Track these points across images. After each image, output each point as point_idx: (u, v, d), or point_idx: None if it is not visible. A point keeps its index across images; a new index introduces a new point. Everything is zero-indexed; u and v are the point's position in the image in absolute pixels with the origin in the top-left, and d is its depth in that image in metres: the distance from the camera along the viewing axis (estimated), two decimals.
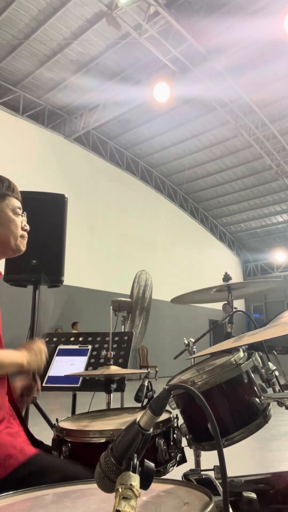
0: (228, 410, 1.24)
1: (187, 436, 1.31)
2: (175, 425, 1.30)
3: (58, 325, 10.60)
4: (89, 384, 1.98)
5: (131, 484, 0.61)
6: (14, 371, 1.25)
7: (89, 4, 8.73)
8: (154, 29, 8.68)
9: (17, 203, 1.39)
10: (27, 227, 1.42)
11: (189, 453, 1.34)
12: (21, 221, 1.39)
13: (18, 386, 1.45)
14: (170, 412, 1.35)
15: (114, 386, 1.64)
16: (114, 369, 1.55)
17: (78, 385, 1.99)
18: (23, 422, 1.33)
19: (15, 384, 1.45)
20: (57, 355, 2.11)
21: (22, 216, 1.41)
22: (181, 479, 1.25)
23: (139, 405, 1.44)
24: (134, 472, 0.63)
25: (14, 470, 1.12)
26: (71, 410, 2.54)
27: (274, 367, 1.32)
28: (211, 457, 1.00)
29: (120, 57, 10.31)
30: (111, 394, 1.71)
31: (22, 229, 1.39)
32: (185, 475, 1.33)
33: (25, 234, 1.42)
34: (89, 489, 0.86)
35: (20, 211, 1.39)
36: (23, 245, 1.41)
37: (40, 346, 1.34)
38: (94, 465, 0.69)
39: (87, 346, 2.14)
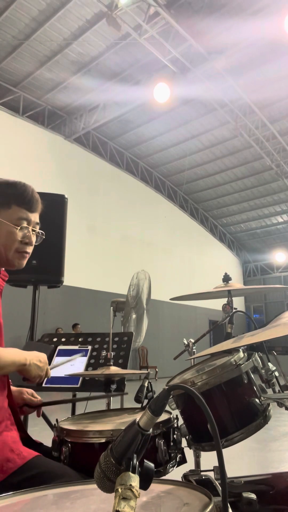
0: (227, 410, 1.24)
1: (187, 437, 1.31)
2: (175, 425, 1.30)
3: (58, 325, 10.60)
4: (89, 384, 1.98)
5: (130, 485, 0.61)
6: (15, 370, 1.22)
7: (89, 4, 8.74)
8: (154, 30, 8.68)
9: (24, 214, 1.27)
10: (31, 242, 1.30)
11: (189, 453, 1.34)
12: (23, 234, 1.27)
13: (20, 398, 1.44)
14: (170, 413, 1.35)
15: (114, 386, 1.64)
16: (114, 370, 1.55)
17: (78, 386, 1.99)
18: (22, 427, 1.31)
19: (19, 395, 1.44)
20: (56, 356, 2.11)
21: (31, 230, 1.30)
22: (180, 480, 1.24)
23: (139, 405, 1.44)
24: (133, 472, 0.63)
25: (13, 474, 1.12)
26: (71, 411, 2.54)
27: (274, 368, 1.32)
28: (211, 457, 1.00)
29: (120, 58, 10.31)
30: None
31: (22, 242, 1.27)
32: (185, 476, 1.32)
33: (26, 249, 1.29)
34: (88, 489, 0.86)
35: (24, 223, 1.27)
36: (19, 260, 1.28)
37: (44, 357, 1.31)
38: (94, 466, 0.69)
39: (87, 347, 2.14)
